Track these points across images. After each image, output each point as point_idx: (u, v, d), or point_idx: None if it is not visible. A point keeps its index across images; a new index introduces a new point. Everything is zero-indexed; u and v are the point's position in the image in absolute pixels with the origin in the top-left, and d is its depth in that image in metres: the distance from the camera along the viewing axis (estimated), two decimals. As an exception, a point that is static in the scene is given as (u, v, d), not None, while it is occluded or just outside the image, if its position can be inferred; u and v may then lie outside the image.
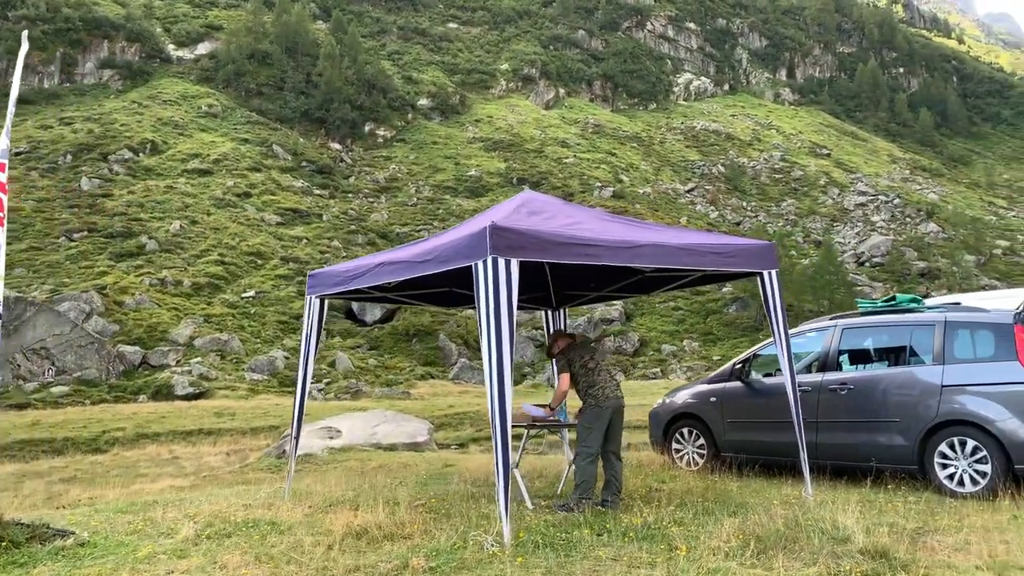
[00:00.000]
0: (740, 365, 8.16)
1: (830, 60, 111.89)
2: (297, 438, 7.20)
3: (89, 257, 47.26)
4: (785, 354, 6.55)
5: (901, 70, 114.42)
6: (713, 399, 8.23)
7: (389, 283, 6.25)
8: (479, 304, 5.10)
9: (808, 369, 7.67)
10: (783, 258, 54.30)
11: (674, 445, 8.61)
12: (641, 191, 71.99)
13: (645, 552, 4.58)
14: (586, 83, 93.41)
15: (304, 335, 6.97)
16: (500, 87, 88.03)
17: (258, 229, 56.87)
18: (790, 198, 74.30)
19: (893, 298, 7.70)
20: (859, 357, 7.63)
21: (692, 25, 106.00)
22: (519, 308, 7.28)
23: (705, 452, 8.30)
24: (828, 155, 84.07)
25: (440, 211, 63.52)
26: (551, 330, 8.75)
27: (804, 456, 6.61)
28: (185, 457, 20.69)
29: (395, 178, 70.68)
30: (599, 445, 6.18)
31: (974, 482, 6.42)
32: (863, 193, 74.76)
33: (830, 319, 8.08)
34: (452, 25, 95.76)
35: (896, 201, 72.42)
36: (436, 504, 6.41)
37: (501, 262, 5.01)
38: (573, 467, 6.35)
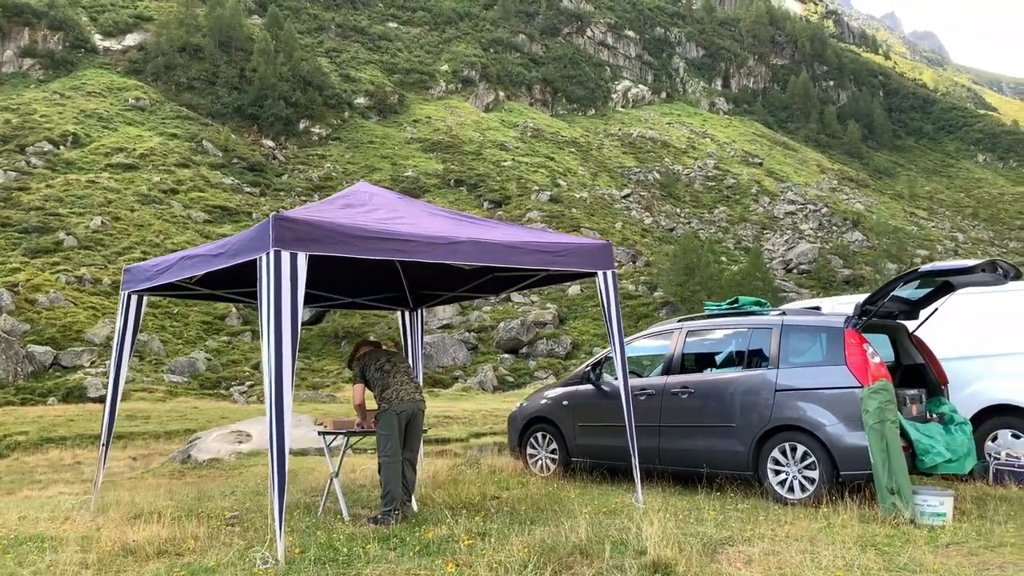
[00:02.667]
0: (592, 367, 7.99)
1: (764, 72, 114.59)
2: (107, 446, 6.71)
3: (1, 253, 45.15)
4: (619, 356, 6.38)
5: (831, 83, 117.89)
6: (565, 403, 8.04)
7: (192, 277, 5.85)
8: (260, 302, 4.75)
9: (666, 371, 7.53)
10: (712, 264, 55.28)
11: (528, 450, 8.39)
12: (578, 196, 72.34)
13: (423, 569, 4.31)
14: (526, 87, 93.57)
15: (117, 333, 6.51)
16: (439, 88, 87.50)
17: (184, 227, 55.20)
18: (722, 205, 75.68)
19: (736, 300, 7.62)
20: (702, 360, 7.53)
21: (631, 33, 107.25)
22: (374, 309, 6.95)
23: (557, 457, 8.10)
24: (760, 164, 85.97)
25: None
26: (407, 330, 8.43)
27: (635, 462, 6.45)
28: (88, 462, 19.74)
29: (329, 177, 69.52)
30: (400, 452, 5.89)
31: (803, 488, 6.34)
32: (792, 202, 76.63)
33: (677, 321, 7.98)
34: (392, 24, 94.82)
35: (824, 210, 74.43)
36: (251, 516, 6.02)
37: (285, 256, 4.67)
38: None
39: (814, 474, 6.28)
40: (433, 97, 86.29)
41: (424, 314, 8.65)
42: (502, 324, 49.69)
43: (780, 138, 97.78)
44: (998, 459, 7.34)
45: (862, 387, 6.05)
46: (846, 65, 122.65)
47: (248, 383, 40.23)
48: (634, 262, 59.77)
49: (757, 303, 7.50)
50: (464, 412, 24.94)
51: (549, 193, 69.77)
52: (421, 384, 6.36)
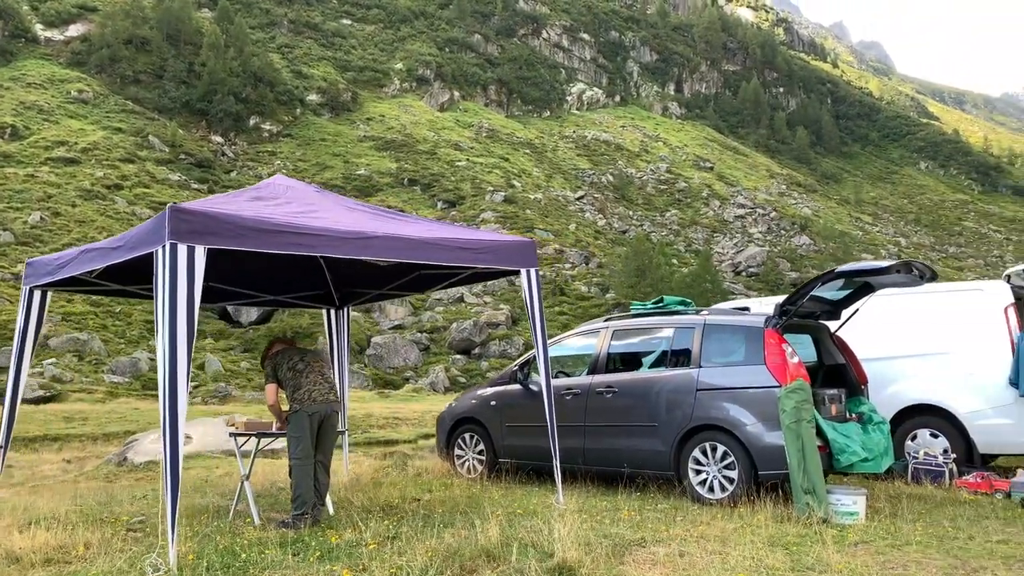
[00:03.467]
0: (520, 367, 7.91)
1: (716, 77, 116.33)
2: (5, 448, 6.40)
3: (-66, 248, 43.44)
4: (541, 356, 6.31)
5: (781, 90, 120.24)
6: (493, 403, 7.95)
7: (92, 271, 5.59)
8: (155, 297, 4.54)
9: (591, 371, 7.48)
10: (663, 266, 55.89)
11: (456, 452, 8.27)
12: (532, 197, 72.44)
13: (320, 575, 4.16)
14: (481, 87, 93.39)
15: (18, 330, 6.20)
16: (394, 86, 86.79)
17: (128, 223, 53.70)
18: (674, 208, 76.55)
19: (661, 300, 7.62)
20: (627, 360, 7.51)
21: (586, 36, 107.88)
22: (299, 307, 6.74)
23: (485, 458, 7.99)
24: (711, 168, 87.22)
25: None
26: (333, 329, 8.24)
27: (556, 463, 6.39)
28: (20, 465, 19.02)
29: (280, 174, 68.52)
30: (311, 455, 5.72)
31: (723, 488, 6.34)
32: (742, 206, 77.90)
33: (604, 320, 7.95)
34: (345, 21, 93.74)
35: (772, 214, 75.84)
36: (157, 521, 5.78)
37: (182, 249, 4.47)
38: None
39: (733, 474, 6.30)
40: (387, 95, 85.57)
41: (349, 312, 8.45)
42: (455, 325, 49.43)
43: (731, 143, 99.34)
44: (916, 458, 7.47)
45: (780, 387, 6.07)
46: (796, 72, 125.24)
47: (193, 383, 39.27)
48: (587, 263, 60.08)
49: (682, 303, 7.50)
50: (414, 413, 24.72)
51: (503, 194, 69.72)
52: (336, 385, 6.17)
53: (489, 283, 55.31)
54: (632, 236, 66.98)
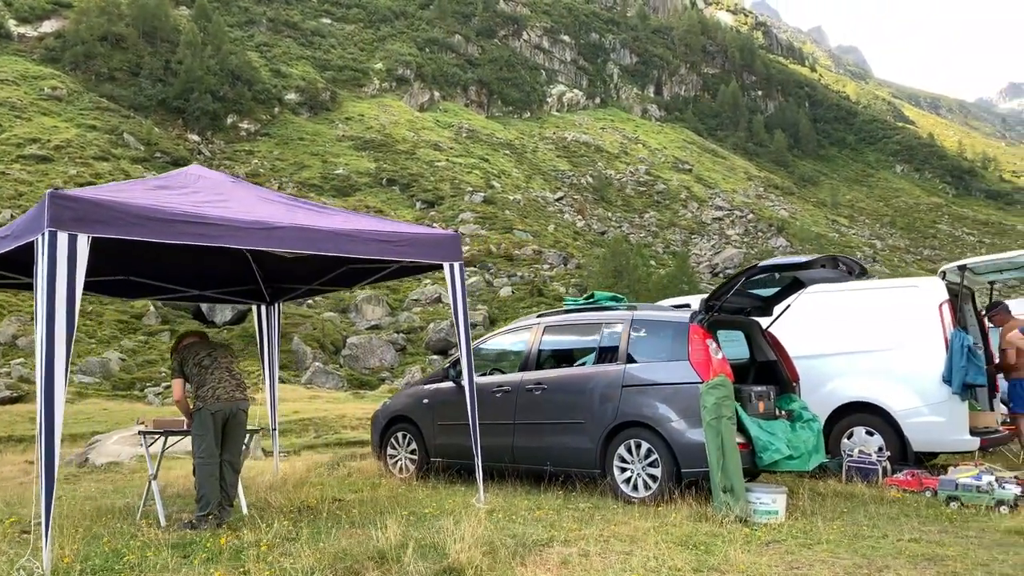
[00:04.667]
0: (453, 364, 7.77)
1: (695, 80, 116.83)
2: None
3: None
4: (464, 352, 6.17)
5: (759, 93, 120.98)
6: (426, 401, 7.80)
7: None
8: (34, 288, 4.36)
9: (523, 368, 7.35)
10: (640, 267, 55.98)
11: (389, 451, 8.11)
12: (512, 198, 72.36)
13: (199, 577, 4.00)
14: (461, 88, 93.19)
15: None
16: (373, 86, 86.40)
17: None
18: (653, 210, 76.76)
19: (592, 295, 7.52)
20: (558, 356, 7.40)
21: (566, 38, 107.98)
22: (227, 303, 6.56)
23: (417, 458, 7.84)
24: (690, 170, 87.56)
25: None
26: (264, 326, 8.06)
27: (478, 462, 6.26)
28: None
29: (257, 173, 67.84)
30: (215, 454, 5.55)
31: (647, 487, 6.24)
32: (720, 208, 78.26)
33: (536, 316, 7.84)
34: (325, 20, 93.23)
35: (750, 216, 76.24)
36: (61, 522, 5.58)
37: (62, 237, 4.28)
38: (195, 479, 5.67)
39: (657, 471, 6.19)
40: (366, 95, 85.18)
41: (280, 308, 8.27)
42: (432, 325, 49.19)
43: (709, 145, 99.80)
44: (851, 456, 7.41)
45: (703, 383, 5.97)
46: (774, 76, 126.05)
47: (164, 384, 38.85)
48: (565, 264, 60.06)
49: (614, 298, 7.39)
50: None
51: (483, 194, 69.57)
52: (244, 381, 5.98)
53: (468, 284, 55.23)
54: (610, 237, 67.08)
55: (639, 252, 60.61)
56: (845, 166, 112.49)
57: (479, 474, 6.24)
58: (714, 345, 6.18)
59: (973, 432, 7.36)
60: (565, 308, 7.64)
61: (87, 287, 7.20)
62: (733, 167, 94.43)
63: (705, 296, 6.73)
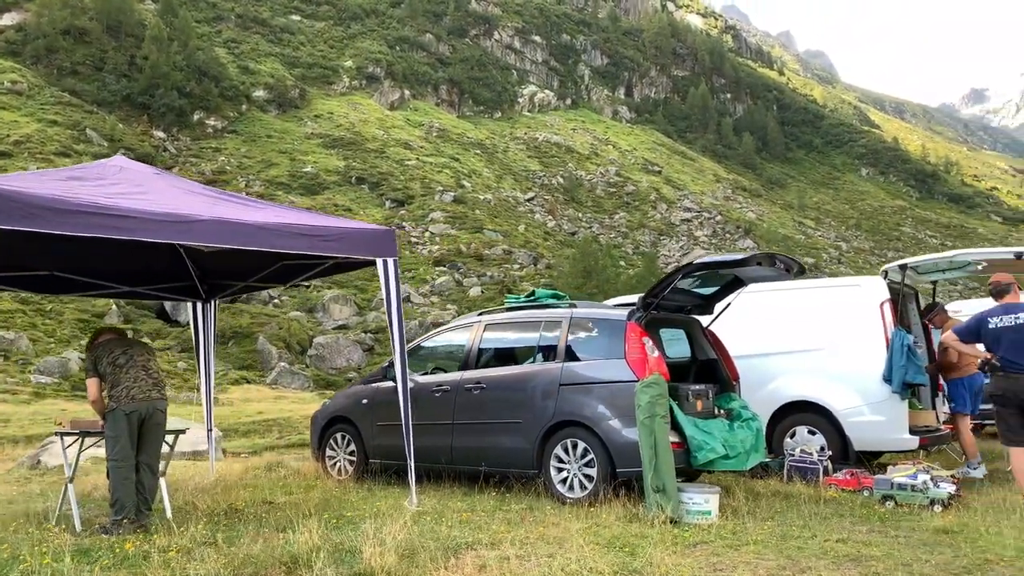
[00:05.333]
0: (392, 363, 7.61)
1: (665, 82, 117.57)
2: None
3: None
4: (398, 350, 6.04)
5: (728, 96, 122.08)
6: (364, 401, 7.64)
7: None
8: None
9: (463, 367, 7.23)
10: (609, 268, 56.15)
11: (327, 452, 7.94)
12: (482, 198, 72.20)
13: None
14: (432, 87, 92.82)
15: None
16: (343, 84, 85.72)
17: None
18: (623, 211, 77.10)
19: (533, 293, 7.43)
20: (498, 354, 7.29)
21: (538, 38, 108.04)
22: (161, 299, 6.37)
23: (356, 459, 7.68)
24: (659, 172, 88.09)
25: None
26: (200, 323, 7.85)
27: (411, 463, 6.13)
28: None
29: (223, 171, 66.94)
30: (130, 456, 5.35)
31: (583, 487, 6.15)
32: (689, 209, 78.82)
33: (477, 314, 7.73)
34: (295, 17, 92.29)
35: (718, 218, 76.88)
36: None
37: (-46, 230, 4.08)
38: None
39: (593, 471, 6.11)
40: (336, 93, 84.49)
41: (216, 305, 8.06)
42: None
43: (679, 147, 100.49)
44: (792, 456, 7.39)
45: (639, 381, 5.90)
46: (743, 79, 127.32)
47: (125, 385, 38.10)
48: (535, 264, 60.04)
49: (555, 296, 7.30)
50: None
51: (453, 194, 69.31)
52: (162, 380, 5.77)
53: (436, 283, 54.97)
54: (580, 238, 67.21)
55: (609, 253, 60.81)
56: (812, 169, 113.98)
57: (412, 476, 6.11)
58: (650, 343, 6.11)
59: (913, 431, 7.39)
60: (506, 306, 7.53)
61: (9, 282, 6.96)
62: (702, 169, 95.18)
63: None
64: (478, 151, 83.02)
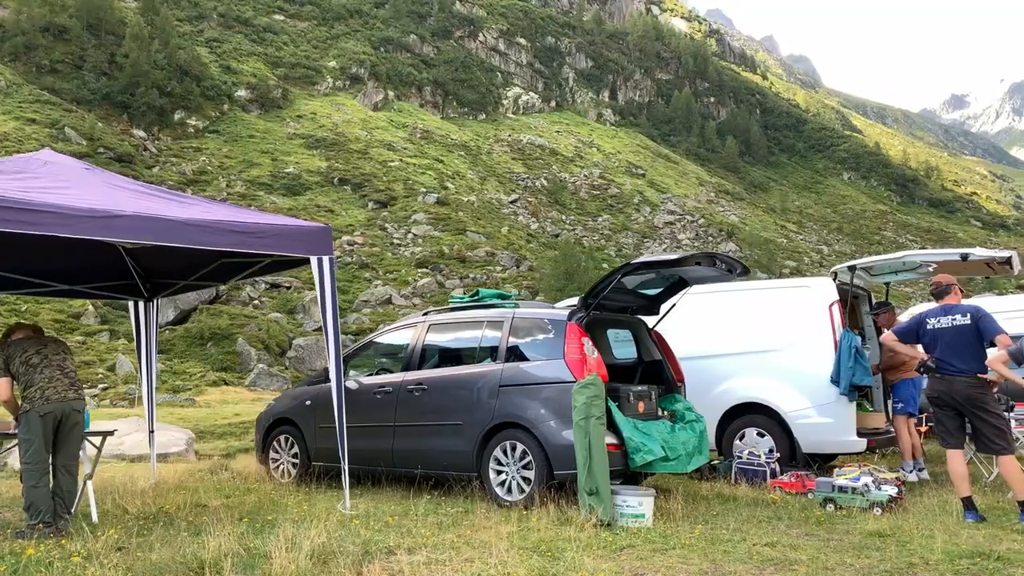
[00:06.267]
0: (337, 365, 7.49)
1: (649, 85, 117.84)
2: None
3: None
4: (332, 351, 5.93)
5: (712, 99, 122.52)
6: (308, 402, 7.52)
7: None
8: None
9: (405, 367, 7.13)
10: (591, 270, 56.11)
11: (271, 454, 7.81)
12: (466, 199, 72.02)
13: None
14: (416, 88, 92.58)
15: None
16: (326, 84, 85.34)
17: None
18: (606, 214, 77.19)
19: (477, 292, 7.34)
20: (441, 355, 7.20)
21: (523, 40, 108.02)
22: (101, 298, 6.20)
23: (299, 462, 7.55)
24: (643, 175, 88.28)
25: (252, 208, 60.24)
26: (141, 323, 7.69)
27: (345, 466, 6.01)
28: None
29: (204, 171, 66.42)
30: (44, 459, 5.20)
31: (520, 490, 6.06)
32: (672, 212, 79.04)
33: (422, 314, 7.63)
34: (278, 17, 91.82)
35: (701, 221, 77.11)
36: None
37: None
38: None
39: (531, 474, 6.02)
40: (319, 93, 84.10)
41: (158, 304, 7.91)
42: (382, 325, 48.59)
43: (663, 151, 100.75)
44: (740, 458, 7.34)
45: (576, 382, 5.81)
46: (726, 83, 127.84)
47: (101, 386, 37.70)
48: (518, 267, 59.94)
49: (500, 296, 7.21)
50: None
51: (436, 195, 69.11)
52: (78, 380, 5.59)
53: (418, 285, 54.71)
54: (563, 240, 67.16)
55: (591, 255, 60.81)
56: (794, 173, 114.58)
57: (345, 479, 6.00)
58: (590, 343, 6.03)
59: (861, 433, 7.35)
60: (451, 306, 7.44)
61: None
62: (685, 172, 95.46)
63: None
64: (462, 153, 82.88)
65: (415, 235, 61.16)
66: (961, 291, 6.07)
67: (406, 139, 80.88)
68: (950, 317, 5.81)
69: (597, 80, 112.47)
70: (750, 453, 7.31)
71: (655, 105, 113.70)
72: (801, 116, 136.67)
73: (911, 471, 7.61)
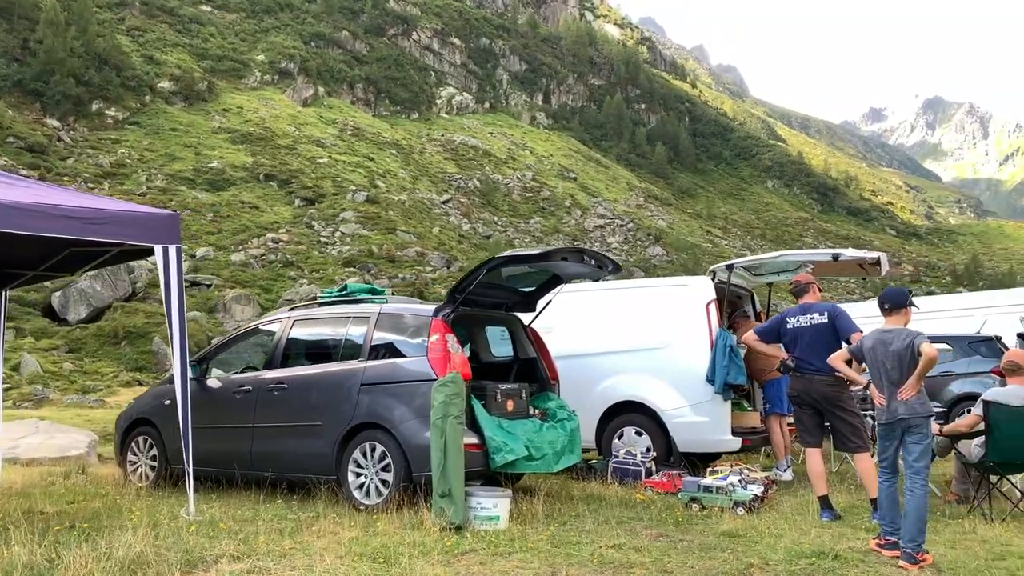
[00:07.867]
0: (198, 361, 7.13)
1: (582, 90, 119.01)
2: None
3: None
4: (177, 347, 5.59)
5: (643, 106, 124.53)
6: (167, 402, 7.11)
7: None
8: None
9: (267, 365, 6.81)
10: (520, 272, 56.26)
11: (129, 456, 7.38)
12: (397, 198, 71.22)
13: None
14: (348, 85, 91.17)
15: None
16: (254, 78, 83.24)
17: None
18: (538, 216, 77.53)
19: (345, 287, 7.09)
20: (305, 352, 6.92)
21: (457, 41, 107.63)
22: None
23: (158, 464, 7.15)
24: (574, 179, 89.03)
25: (173, 203, 58.12)
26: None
27: (188, 469, 5.67)
28: None
29: (123, 164, 63.90)
30: None
31: (379, 493, 5.83)
32: (602, 216, 79.92)
33: (288, 310, 7.34)
34: (205, 8, 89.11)
35: (630, 225, 78.21)
36: None
37: None
38: None
39: (389, 476, 5.80)
40: (246, 87, 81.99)
41: (6, 296, 7.39)
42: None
43: (594, 155, 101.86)
44: (617, 457, 7.27)
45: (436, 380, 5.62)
46: (657, 90, 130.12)
47: (5, 386, 35.69)
48: (448, 267, 59.56)
49: (372, 291, 6.96)
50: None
51: (366, 194, 68.10)
52: None
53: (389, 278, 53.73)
54: (495, 241, 67.07)
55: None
56: (721, 179, 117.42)
57: (189, 482, 5.65)
58: (454, 340, 5.84)
59: (736, 432, 7.38)
60: (318, 301, 7.15)
61: None
62: (616, 177, 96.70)
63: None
64: (393, 151, 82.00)
65: (343, 233, 60.11)
66: (820, 289, 6.12)
67: (336, 136, 79.59)
68: (808, 316, 5.84)
69: (531, 83, 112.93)
70: (627, 452, 7.25)
71: (587, 110, 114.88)
72: (728, 125, 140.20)
73: (785, 470, 7.67)
